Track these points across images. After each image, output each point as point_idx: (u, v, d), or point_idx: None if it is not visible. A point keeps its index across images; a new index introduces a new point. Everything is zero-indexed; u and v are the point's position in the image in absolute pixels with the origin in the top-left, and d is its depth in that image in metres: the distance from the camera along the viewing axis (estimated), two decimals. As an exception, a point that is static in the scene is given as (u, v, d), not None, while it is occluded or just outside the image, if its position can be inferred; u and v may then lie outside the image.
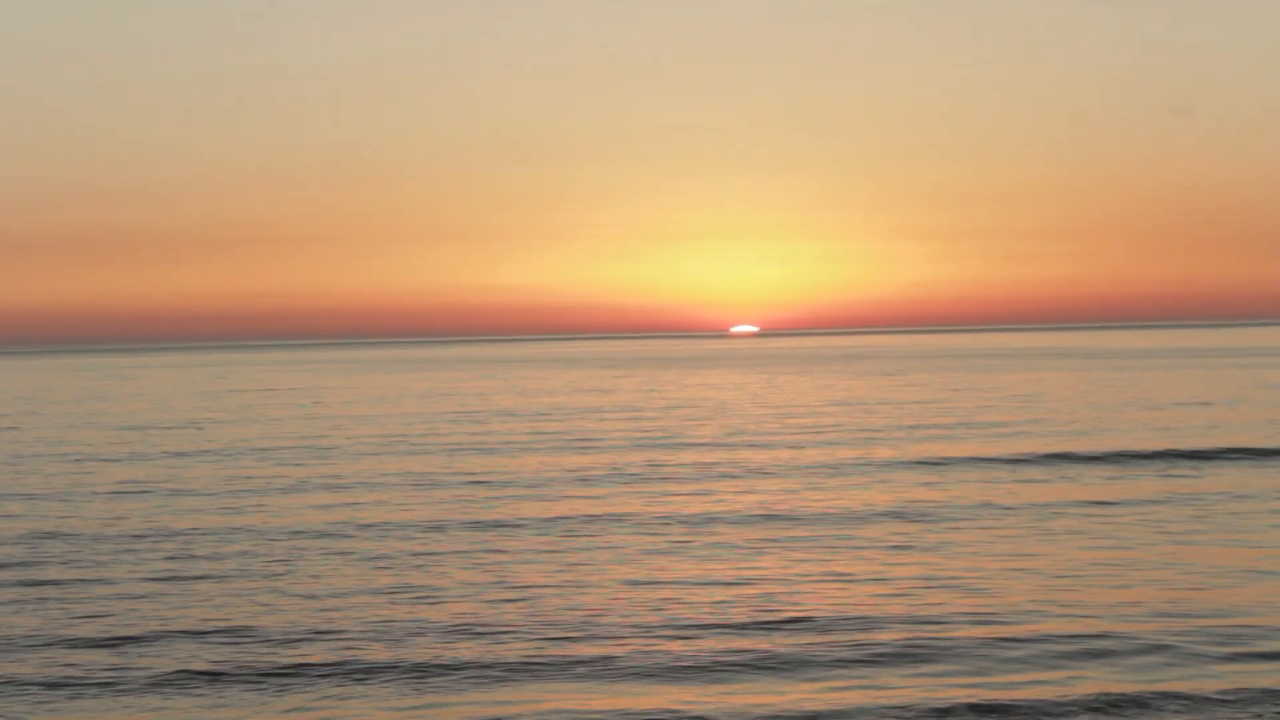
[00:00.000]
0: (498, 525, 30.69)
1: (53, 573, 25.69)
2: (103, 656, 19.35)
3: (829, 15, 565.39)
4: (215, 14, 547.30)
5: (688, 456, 45.38)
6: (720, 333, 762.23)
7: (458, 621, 20.96)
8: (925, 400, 74.81)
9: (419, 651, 19.24)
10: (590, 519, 31.36)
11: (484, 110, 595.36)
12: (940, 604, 21.62)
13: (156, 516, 33.06)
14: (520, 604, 22.17)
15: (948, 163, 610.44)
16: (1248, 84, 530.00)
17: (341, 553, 27.39)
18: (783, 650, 19.03)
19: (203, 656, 19.21)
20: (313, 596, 23.03)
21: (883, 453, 45.06)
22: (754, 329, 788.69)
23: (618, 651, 19.07)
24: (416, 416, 69.25)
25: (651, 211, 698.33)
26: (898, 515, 31.07)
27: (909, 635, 19.63)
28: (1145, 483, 36.34)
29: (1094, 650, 18.71)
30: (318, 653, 19.26)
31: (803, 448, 47.64)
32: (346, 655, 19.12)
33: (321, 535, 29.69)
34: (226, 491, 37.92)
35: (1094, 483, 36.56)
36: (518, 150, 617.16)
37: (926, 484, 36.83)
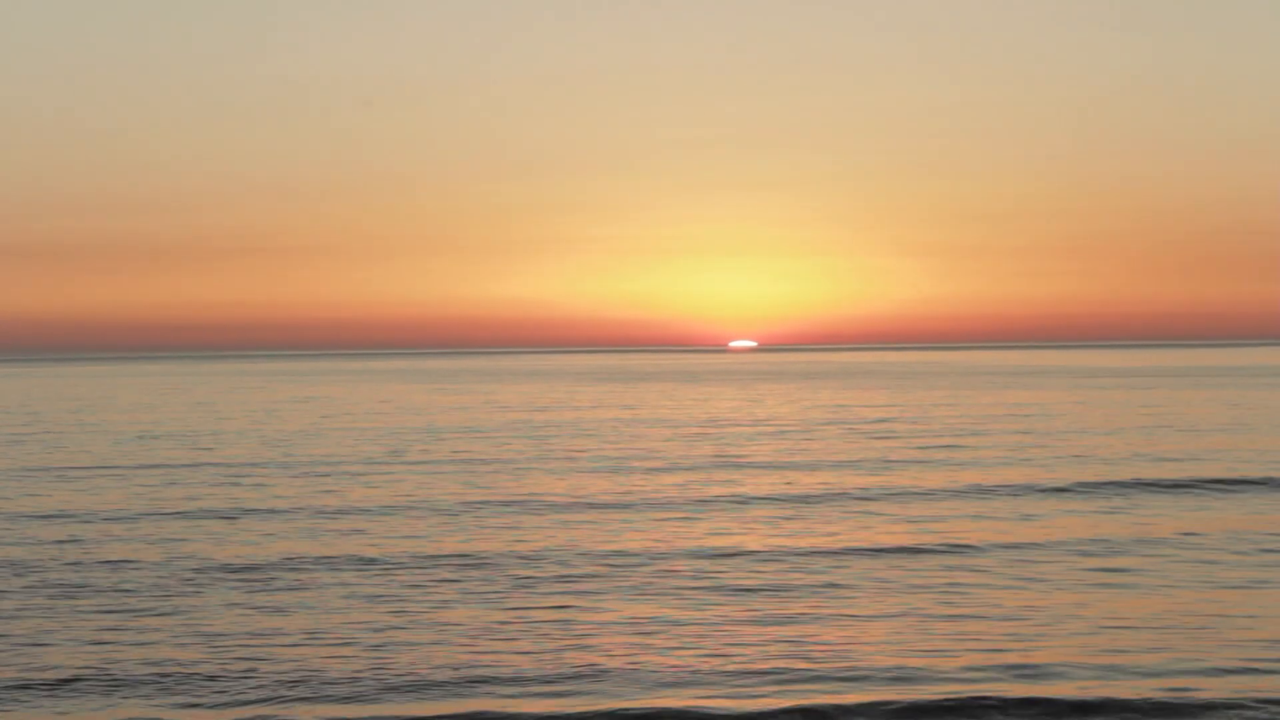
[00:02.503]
0: (498, 555, 29.26)
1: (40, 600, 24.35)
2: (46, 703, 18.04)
3: (828, 32, 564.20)
4: (218, 25, 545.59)
5: (698, 479, 44.01)
6: (719, 348, 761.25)
7: (447, 667, 19.58)
8: (943, 420, 73.38)
9: (396, 707, 17.86)
10: (601, 552, 29.94)
11: (485, 123, 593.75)
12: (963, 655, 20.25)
13: (139, 538, 31.66)
14: (524, 648, 20.76)
15: (947, 179, 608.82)
16: (1248, 103, 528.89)
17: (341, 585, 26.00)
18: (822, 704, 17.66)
19: (141, 704, 17.86)
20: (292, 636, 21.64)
21: (902, 480, 43.69)
22: (752, 344, 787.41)
23: (632, 705, 17.69)
24: (419, 431, 67.83)
25: (651, 226, 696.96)
26: (929, 551, 29.66)
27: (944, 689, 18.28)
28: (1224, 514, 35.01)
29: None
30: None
31: (818, 470, 46.26)
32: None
33: (319, 566, 28.25)
34: (230, 511, 36.54)
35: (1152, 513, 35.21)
36: (519, 163, 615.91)
37: (958, 516, 35.45)
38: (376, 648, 20.75)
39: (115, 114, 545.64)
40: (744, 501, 38.40)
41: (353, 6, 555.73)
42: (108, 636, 21.66)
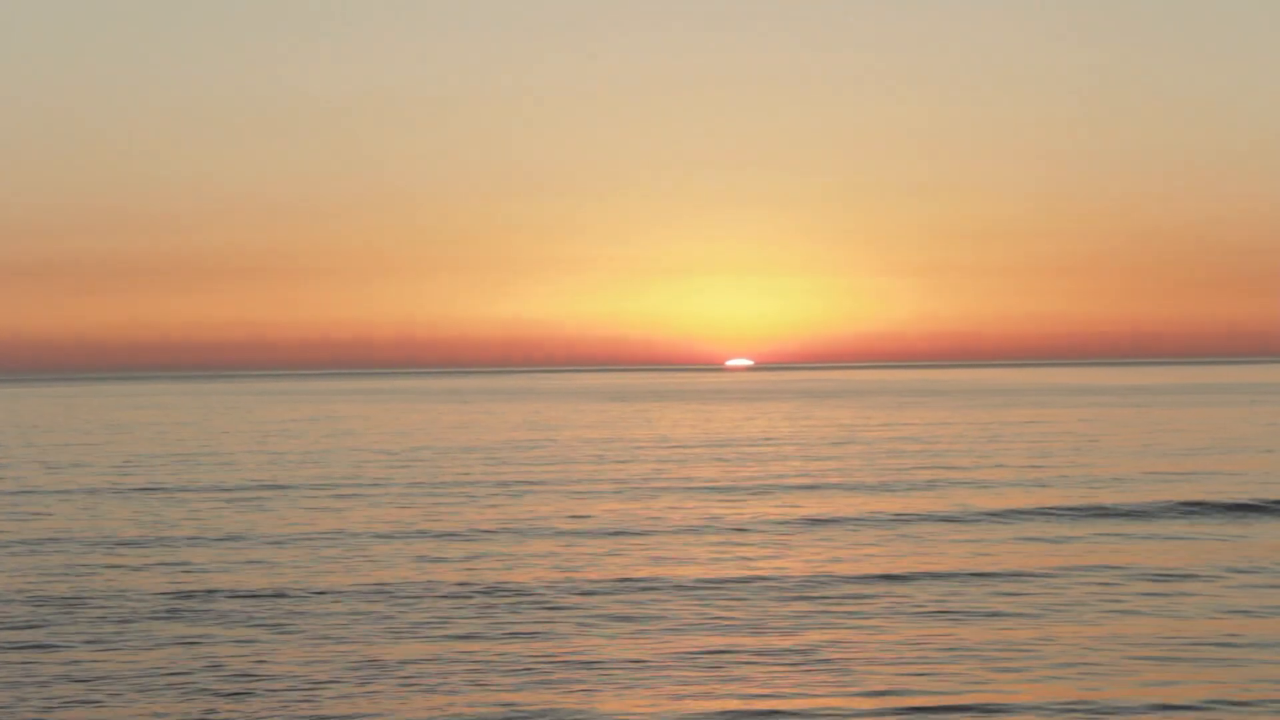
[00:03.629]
0: (502, 589, 28.56)
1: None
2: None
3: (823, 51, 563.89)
4: (223, 42, 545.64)
5: (704, 502, 43.33)
6: (716, 366, 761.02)
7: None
8: (952, 439, 72.71)
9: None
10: (607, 579, 29.24)
11: (487, 143, 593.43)
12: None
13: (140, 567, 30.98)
14: (526, 683, 20.09)
15: (940, 198, 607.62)
16: (1240, 120, 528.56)
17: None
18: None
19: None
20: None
21: (919, 504, 43.04)
22: (749, 363, 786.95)
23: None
24: (421, 450, 67.15)
25: (649, 245, 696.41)
26: (952, 576, 29.03)
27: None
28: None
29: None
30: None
31: (832, 492, 45.61)
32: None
33: (313, 594, 27.56)
34: (230, 534, 35.85)
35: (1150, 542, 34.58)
36: (519, 183, 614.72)
37: (970, 540, 34.82)
38: (371, 676, 20.09)
39: (119, 132, 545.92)
40: (752, 526, 37.72)
41: (359, 24, 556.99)
42: (100, 651, 21.02)
